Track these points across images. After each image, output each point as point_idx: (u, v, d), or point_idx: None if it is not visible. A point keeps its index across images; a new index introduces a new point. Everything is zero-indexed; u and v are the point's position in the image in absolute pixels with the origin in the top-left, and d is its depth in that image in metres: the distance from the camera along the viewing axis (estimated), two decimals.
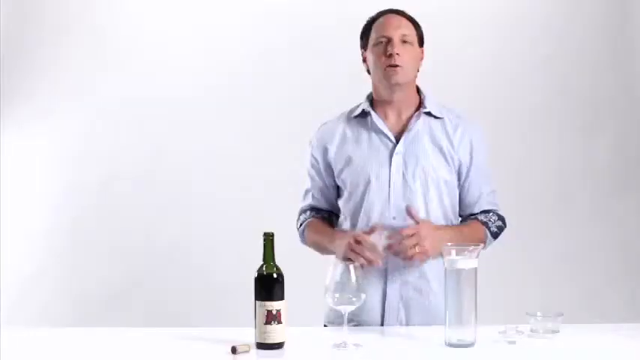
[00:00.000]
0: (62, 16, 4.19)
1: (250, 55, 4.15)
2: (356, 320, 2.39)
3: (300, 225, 2.62)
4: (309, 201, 2.62)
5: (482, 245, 2.20)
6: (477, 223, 2.48)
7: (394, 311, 2.43)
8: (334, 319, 2.47)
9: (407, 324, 2.42)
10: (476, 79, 4.09)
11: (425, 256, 2.33)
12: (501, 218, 2.53)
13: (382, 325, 2.43)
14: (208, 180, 4.16)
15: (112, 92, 4.20)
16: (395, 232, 2.36)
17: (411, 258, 2.32)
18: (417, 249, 2.31)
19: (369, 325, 2.41)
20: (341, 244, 2.37)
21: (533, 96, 4.12)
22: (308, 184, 2.62)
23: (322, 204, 2.60)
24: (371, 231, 2.36)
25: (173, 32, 4.19)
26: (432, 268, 2.43)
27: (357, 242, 2.32)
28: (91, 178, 4.21)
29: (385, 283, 2.43)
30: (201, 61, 4.17)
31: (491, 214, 2.50)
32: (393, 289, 2.43)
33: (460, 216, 2.54)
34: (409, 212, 2.38)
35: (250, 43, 4.15)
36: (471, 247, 2.09)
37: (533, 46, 4.11)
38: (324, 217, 2.60)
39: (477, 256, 2.08)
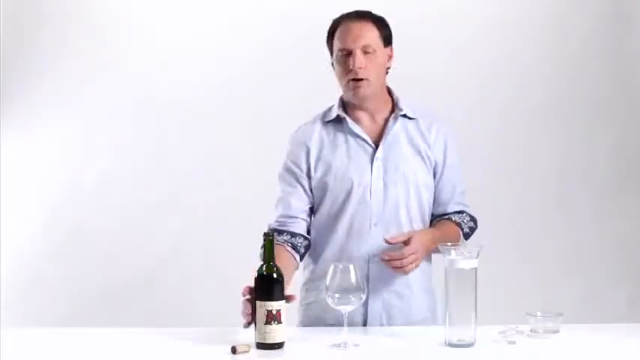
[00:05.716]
0: (62, 16, 4.19)
1: (251, 55, 4.14)
2: (338, 325, 2.32)
3: None
4: (280, 211, 2.49)
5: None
6: (452, 225, 2.46)
7: (377, 317, 2.43)
8: (308, 324, 2.46)
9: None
10: (476, 79, 4.08)
11: (418, 264, 2.31)
12: (473, 219, 2.51)
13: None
14: (208, 180, 4.15)
15: (111, 92, 4.19)
16: (391, 248, 2.30)
17: (407, 272, 2.30)
18: (414, 264, 2.29)
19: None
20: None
21: (534, 96, 4.12)
22: (280, 192, 2.51)
23: (295, 211, 2.47)
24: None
25: (173, 32, 4.18)
26: (414, 271, 2.37)
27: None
28: (90, 178, 4.20)
29: (368, 289, 2.41)
30: (201, 61, 4.16)
31: (464, 214, 2.49)
32: (376, 295, 2.41)
33: (431, 214, 2.50)
34: (389, 243, 2.30)
35: (251, 43, 4.15)
36: (471, 247, 2.10)
37: (533, 46, 4.11)
38: (287, 245, 2.43)
39: (477, 256, 2.08)
